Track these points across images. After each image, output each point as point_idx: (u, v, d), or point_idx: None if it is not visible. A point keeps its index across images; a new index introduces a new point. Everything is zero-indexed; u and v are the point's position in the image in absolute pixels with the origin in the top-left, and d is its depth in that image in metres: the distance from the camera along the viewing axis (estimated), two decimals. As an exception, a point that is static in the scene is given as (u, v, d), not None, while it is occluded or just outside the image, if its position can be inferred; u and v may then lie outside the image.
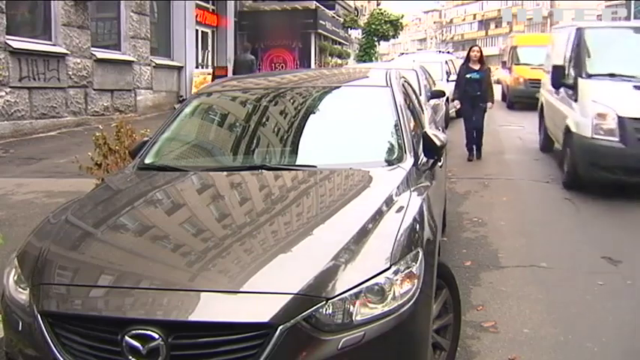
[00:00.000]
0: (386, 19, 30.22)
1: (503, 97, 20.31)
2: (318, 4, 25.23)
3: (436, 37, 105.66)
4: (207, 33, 19.97)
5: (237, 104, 4.25)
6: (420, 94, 7.70)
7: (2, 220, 5.78)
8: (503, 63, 20.48)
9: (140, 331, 2.11)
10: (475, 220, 6.03)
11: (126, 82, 14.48)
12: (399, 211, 2.72)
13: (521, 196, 7.27)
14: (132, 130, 5.61)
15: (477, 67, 9.31)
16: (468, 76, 9.28)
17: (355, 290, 2.24)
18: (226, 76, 16.76)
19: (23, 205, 6.38)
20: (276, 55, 23.84)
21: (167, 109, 15.67)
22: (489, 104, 9.37)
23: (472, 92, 9.26)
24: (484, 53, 10.12)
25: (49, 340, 2.26)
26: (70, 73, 12.46)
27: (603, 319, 3.78)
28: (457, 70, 11.13)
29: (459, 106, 9.87)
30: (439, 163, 3.83)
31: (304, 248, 2.49)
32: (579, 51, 7.72)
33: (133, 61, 14.73)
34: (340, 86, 4.43)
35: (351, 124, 3.76)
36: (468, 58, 9.54)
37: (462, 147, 9.68)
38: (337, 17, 29.89)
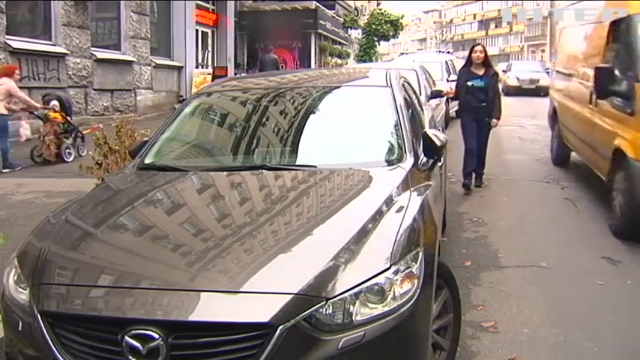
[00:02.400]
0: (386, 19, 30.24)
1: (561, 159, 8.83)
2: (318, 4, 25.25)
3: (436, 37, 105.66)
4: (207, 33, 19.98)
5: (237, 104, 4.24)
6: (420, 94, 7.68)
7: (2, 220, 5.78)
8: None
9: (140, 331, 2.11)
10: (475, 220, 6.03)
11: (126, 82, 14.49)
12: (399, 211, 2.72)
13: (521, 196, 7.27)
14: (132, 130, 5.62)
15: (480, 71, 7.25)
16: (469, 83, 7.24)
17: (355, 290, 2.24)
18: (226, 76, 16.75)
19: (23, 205, 6.39)
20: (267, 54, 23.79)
21: (167, 109, 15.68)
22: (494, 121, 7.38)
23: (475, 103, 7.26)
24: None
25: (49, 340, 2.26)
26: (70, 73, 12.47)
27: (603, 319, 3.78)
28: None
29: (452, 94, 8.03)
30: (439, 163, 3.83)
31: (304, 248, 2.49)
32: None
33: (133, 61, 14.74)
34: (340, 86, 4.42)
35: (351, 124, 3.76)
36: (469, 61, 7.47)
37: (462, 147, 8.92)
38: (337, 17, 29.91)
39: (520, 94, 22.33)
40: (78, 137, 9.67)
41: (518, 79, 23.74)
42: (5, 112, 8.66)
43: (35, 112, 9.50)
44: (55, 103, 9.61)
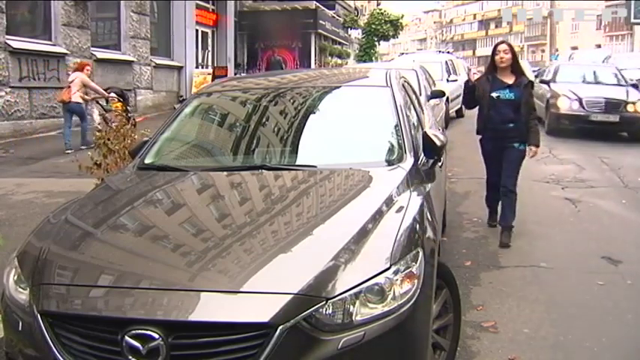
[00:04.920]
0: (386, 19, 30.24)
1: None
2: (318, 4, 25.26)
3: (436, 37, 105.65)
4: (207, 33, 19.98)
5: (237, 104, 4.24)
6: (420, 94, 7.68)
7: (2, 220, 5.78)
8: None
9: (140, 331, 2.12)
10: (475, 220, 6.03)
11: (126, 82, 14.48)
12: (399, 211, 2.72)
13: (521, 196, 7.22)
14: (131, 130, 5.62)
15: (509, 79, 5.27)
16: (494, 94, 5.23)
17: (355, 290, 2.24)
18: (226, 76, 16.76)
19: (23, 205, 6.39)
20: (272, 55, 23.86)
21: (167, 109, 15.68)
22: (532, 149, 5.36)
23: (500, 123, 5.27)
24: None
25: (49, 340, 2.26)
26: (70, 73, 12.45)
27: (603, 319, 3.78)
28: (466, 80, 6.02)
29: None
30: (439, 163, 3.83)
31: (304, 248, 2.49)
32: None
33: (133, 61, 14.74)
34: (340, 86, 4.42)
35: (351, 124, 3.76)
36: (492, 65, 5.38)
37: (462, 147, 9.05)
38: (337, 17, 29.91)
39: (583, 131, 11.19)
40: (132, 124, 10.54)
41: (580, 101, 11.25)
42: (81, 100, 10.33)
43: (99, 101, 11.08)
44: (113, 95, 11.31)
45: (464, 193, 7.25)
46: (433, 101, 9.69)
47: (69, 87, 10.31)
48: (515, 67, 5.29)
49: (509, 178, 5.35)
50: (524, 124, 5.25)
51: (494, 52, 5.33)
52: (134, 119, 10.96)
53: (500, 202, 5.55)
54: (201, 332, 2.15)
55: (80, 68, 10.63)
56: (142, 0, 15.20)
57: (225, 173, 3.42)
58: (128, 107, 11.45)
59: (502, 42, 5.52)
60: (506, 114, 5.24)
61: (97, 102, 11.12)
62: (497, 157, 5.42)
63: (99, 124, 10.99)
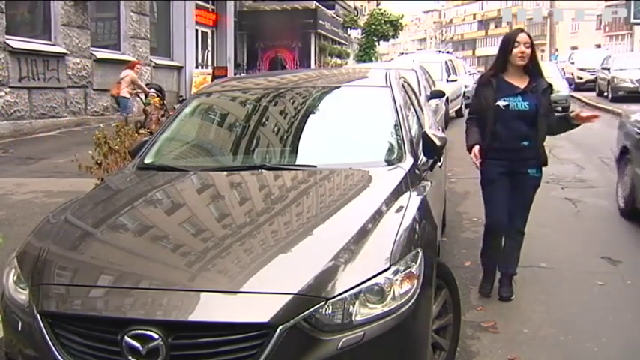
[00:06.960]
0: (386, 19, 30.30)
1: None
2: (318, 4, 25.29)
3: (436, 37, 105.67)
4: (206, 33, 19.99)
5: (237, 104, 4.24)
6: (420, 94, 7.67)
7: (2, 220, 5.78)
8: None
9: (140, 331, 2.11)
10: (475, 220, 6.02)
11: (125, 83, 14.49)
12: (398, 211, 2.72)
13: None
14: (132, 130, 5.62)
15: (521, 82, 3.91)
16: (502, 103, 3.87)
17: (355, 290, 2.24)
18: (226, 76, 16.76)
19: (23, 205, 6.39)
20: (275, 55, 23.91)
21: (167, 109, 15.69)
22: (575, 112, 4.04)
23: (512, 142, 3.92)
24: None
25: (49, 340, 2.26)
26: (70, 73, 12.47)
27: (603, 319, 3.78)
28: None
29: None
30: (439, 163, 3.83)
31: (304, 248, 2.49)
32: None
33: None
34: (340, 86, 4.42)
35: (351, 124, 3.75)
36: (502, 62, 3.95)
37: (462, 147, 8.81)
38: (337, 17, 29.94)
39: None
40: (167, 116, 11.94)
41: None
42: (128, 95, 11.52)
43: (140, 96, 12.23)
44: (153, 90, 12.65)
45: (464, 193, 7.24)
46: (433, 101, 9.69)
47: (119, 83, 11.48)
48: (530, 65, 3.89)
49: (519, 218, 4.12)
50: (541, 139, 3.93)
51: (512, 44, 3.83)
52: (168, 112, 11.82)
53: (496, 268, 4.23)
54: (201, 332, 2.15)
55: (131, 66, 11.79)
56: (141, 0, 15.20)
57: (224, 173, 3.41)
58: (164, 100, 12.75)
59: (520, 30, 3.98)
60: (518, 129, 3.88)
61: (138, 95, 12.31)
62: (505, 187, 4.00)
63: (139, 114, 12.19)
